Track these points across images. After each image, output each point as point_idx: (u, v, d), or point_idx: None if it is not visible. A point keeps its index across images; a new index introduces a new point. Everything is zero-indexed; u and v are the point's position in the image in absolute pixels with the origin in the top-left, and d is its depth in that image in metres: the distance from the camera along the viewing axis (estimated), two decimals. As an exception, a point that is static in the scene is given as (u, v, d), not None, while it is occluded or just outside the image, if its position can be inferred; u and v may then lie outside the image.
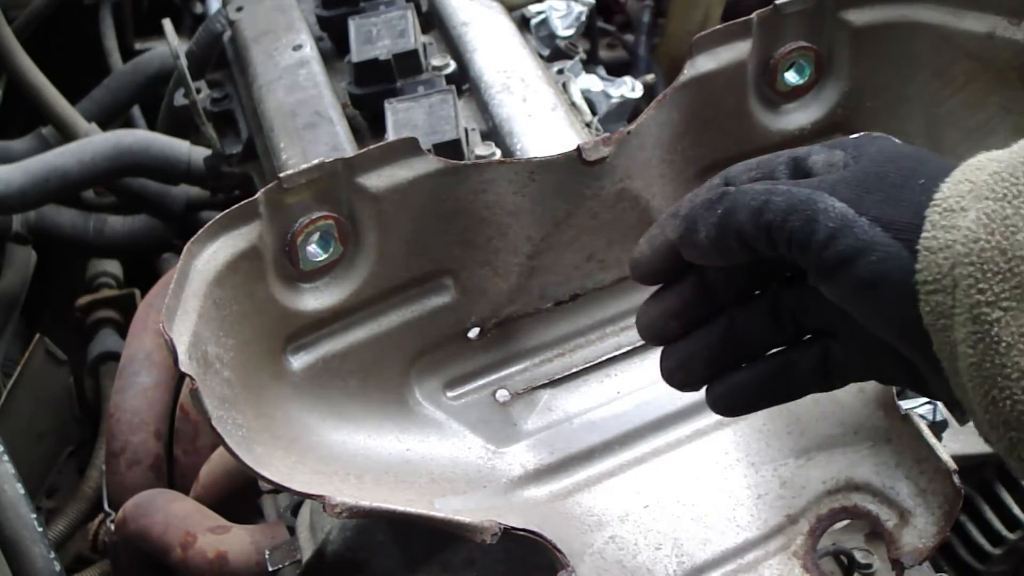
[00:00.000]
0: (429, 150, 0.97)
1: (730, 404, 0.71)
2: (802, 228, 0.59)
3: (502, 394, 0.93)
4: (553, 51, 1.34)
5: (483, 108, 1.14)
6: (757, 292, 0.70)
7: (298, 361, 0.85)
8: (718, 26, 0.91)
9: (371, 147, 0.83)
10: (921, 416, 0.86)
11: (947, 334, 0.54)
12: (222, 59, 1.40)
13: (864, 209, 0.58)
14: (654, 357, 0.96)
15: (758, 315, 0.68)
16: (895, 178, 0.59)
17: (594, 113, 1.24)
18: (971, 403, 0.55)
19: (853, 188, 0.59)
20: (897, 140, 0.65)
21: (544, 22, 1.34)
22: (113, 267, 1.97)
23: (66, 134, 1.88)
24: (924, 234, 0.55)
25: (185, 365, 0.69)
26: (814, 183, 0.61)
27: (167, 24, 1.25)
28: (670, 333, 0.71)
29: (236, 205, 0.78)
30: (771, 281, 0.69)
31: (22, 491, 1.22)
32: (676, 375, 0.72)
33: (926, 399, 0.98)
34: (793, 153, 0.65)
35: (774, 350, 0.70)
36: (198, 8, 2.24)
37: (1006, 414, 0.52)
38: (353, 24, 1.20)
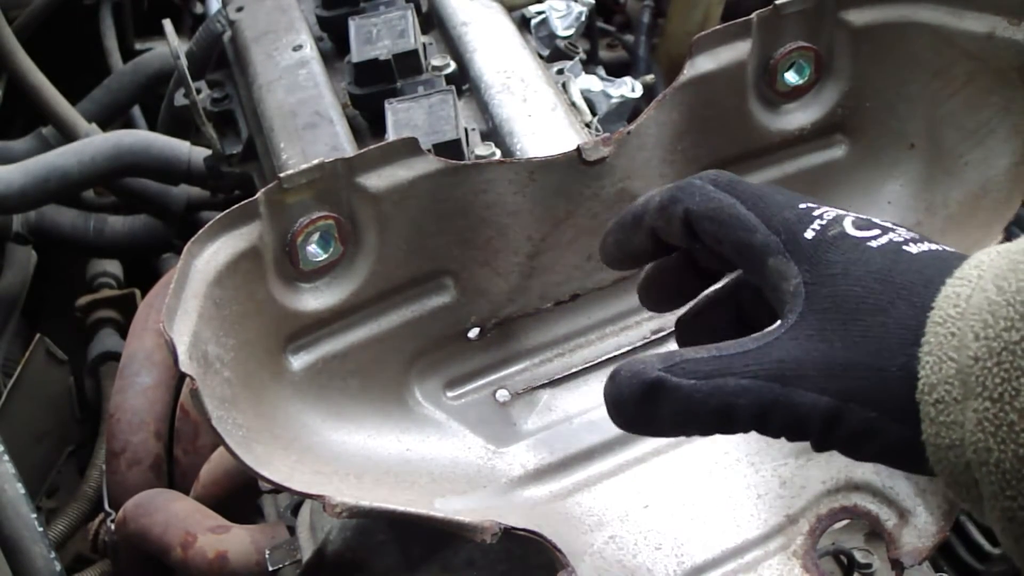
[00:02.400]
0: (429, 150, 0.97)
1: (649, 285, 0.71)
2: (791, 431, 0.56)
3: (502, 394, 0.93)
4: (553, 51, 1.34)
5: (483, 108, 1.14)
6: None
7: (298, 361, 0.85)
8: (718, 26, 0.91)
9: (371, 147, 0.83)
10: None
11: (979, 506, 0.52)
12: (222, 59, 1.40)
13: (848, 395, 0.54)
14: (654, 357, 0.97)
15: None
16: (862, 353, 0.54)
17: (594, 113, 1.23)
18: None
19: (820, 370, 0.54)
20: (853, 232, 0.58)
21: (544, 22, 1.34)
22: (113, 267, 1.97)
23: (66, 134, 1.88)
24: (925, 428, 0.51)
25: (185, 365, 0.69)
26: (773, 366, 0.55)
27: (167, 24, 1.25)
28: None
29: (236, 205, 0.78)
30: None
31: (22, 491, 1.22)
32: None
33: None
34: (749, 240, 0.61)
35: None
36: (198, 8, 2.24)
37: None
38: (353, 24, 1.20)
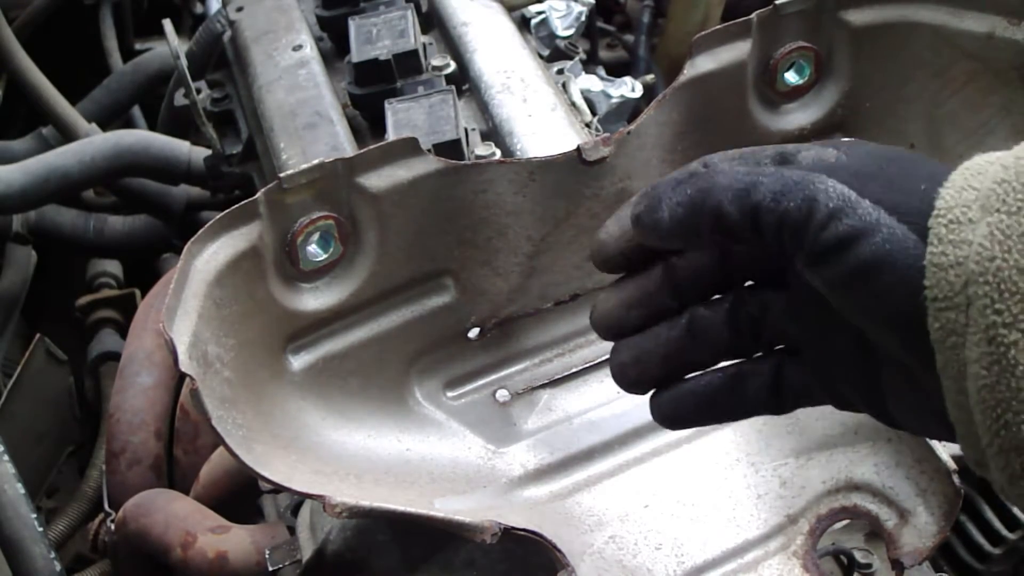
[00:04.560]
0: (429, 150, 0.97)
1: (674, 414, 0.66)
2: (798, 208, 0.54)
3: (502, 394, 0.93)
4: (553, 51, 1.34)
5: (483, 108, 1.14)
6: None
7: (298, 361, 0.85)
8: (718, 26, 0.91)
9: (371, 147, 0.83)
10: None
11: (957, 352, 0.51)
12: (222, 59, 1.40)
13: (867, 193, 0.54)
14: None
15: (718, 316, 0.64)
16: (893, 173, 0.55)
17: (594, 113, 1.23)
18: (975, 426, 0.51)
19: (852, 175, 0.55)
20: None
21: (544, 22, 1.34)
22: (113, 267, 1.97)
23: (66, 134, 1.88)
24: (931, 248, 0.51)
25: (185, 365, 0.69)
26: (807, 170, 0.57)
27: (167, 24, 1.25)
28: (628, 323, 0.65)
29: (236, 205, 0.78)
30: (740, 280, 0.65)
31: (22, 491, 1.22)
32: (629, 371, 0.66)
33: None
34: (780, 148, 0.61)
35: (726, 363, 0.65)
36: (198, 8, 2.24)
37: (1019, 439, 0.49)
38: (353, 24, 1.20)
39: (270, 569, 0.95)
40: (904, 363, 0.55)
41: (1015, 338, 0.48)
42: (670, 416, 0.66)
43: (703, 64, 0.90)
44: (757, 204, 0.56)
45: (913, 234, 0.52)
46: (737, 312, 0.64)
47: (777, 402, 0.64)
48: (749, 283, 0.66)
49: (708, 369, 0.65)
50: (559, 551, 0.76)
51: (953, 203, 0.51)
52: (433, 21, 1.30)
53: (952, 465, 0.81)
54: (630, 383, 0.66)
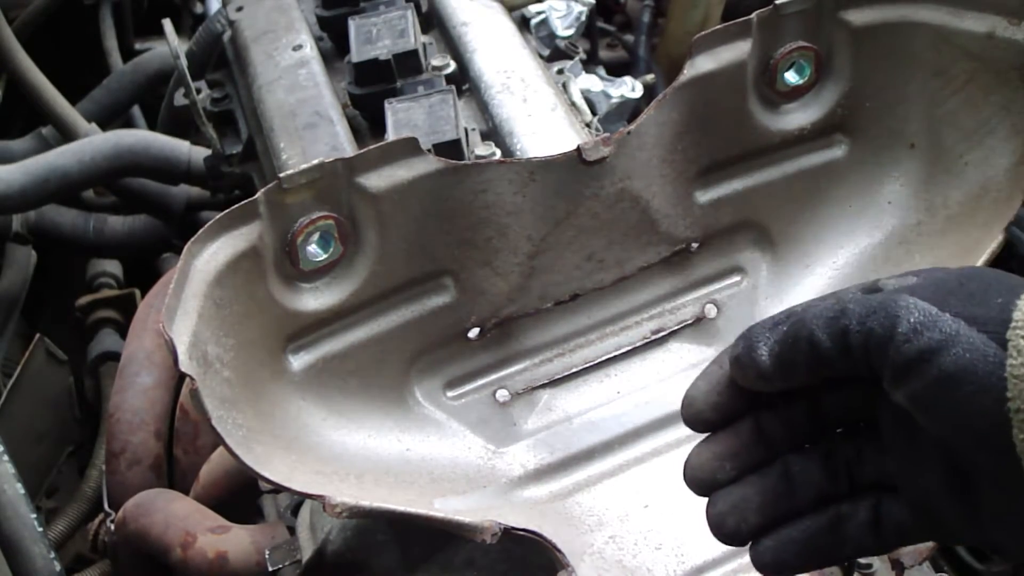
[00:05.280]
0: (429, 150, 0.97)
1: (775, 563, 0.65)
2: (882, 326, 0.56)
3: (502, 394, 0.93)
4: (553, 51, 1.34)
5: (483, 108, 1.14)
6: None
7: (298, 361, 0.85)
8: (718, 26, 0.91)
9: (371, 147, 0.83)
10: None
11: None
12: (222, 59, 1.40)
13: (947, 307, 0.55)
14: (654, 357, 0.97)
15: (813, 462, 0.64)
16: (973, 288, 0.57)
17: (594, 113, 1.23)
18: None
19: (932, 292, 0.57)
20: None
21: (544, 22, 1.34)
22: (113, 267, 1.97)
23: (66, 134, 1.88)
24: (1011, 360, 0.52)
25: (185, 365, 0.69)
26: (889, 292, 0.58)
27: (167, 24, 1.25)
28: (723, 476, 0.65)
29: (236, 205, 0.78)
30: (829, 429, 0.65)
31: (22, 491, 1.22)
32: (727, 521, 0.65)
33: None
34: (864, 283, 0.62)
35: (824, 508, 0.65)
36: (198, 8, 2.24)
37: None
38: (353, 24, 1.20)
39: (270, 569, 0.95)
40: (998, 480, 0.56)
41: None
42: (771, 564, 0.65)
43: (703, 64, 0.90)
44: (845, 328, 0.58)
45: (993, 343, 0.53)
46: (831, 456, 0.64)
47: (878, 541, 0.64)
48: (839, 430, 0.66)
49: (804, 514, 0.65)
50: (559, 551, 0.76)
51: None
52: (433, 21, 1.30)
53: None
54: (729, 534, 0.66)
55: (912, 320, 0.55)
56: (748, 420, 0.65)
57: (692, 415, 0.66)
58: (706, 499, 0.67)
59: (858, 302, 0.58)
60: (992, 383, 0.53)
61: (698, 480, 0.66)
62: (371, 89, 1.17)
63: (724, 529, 0.65)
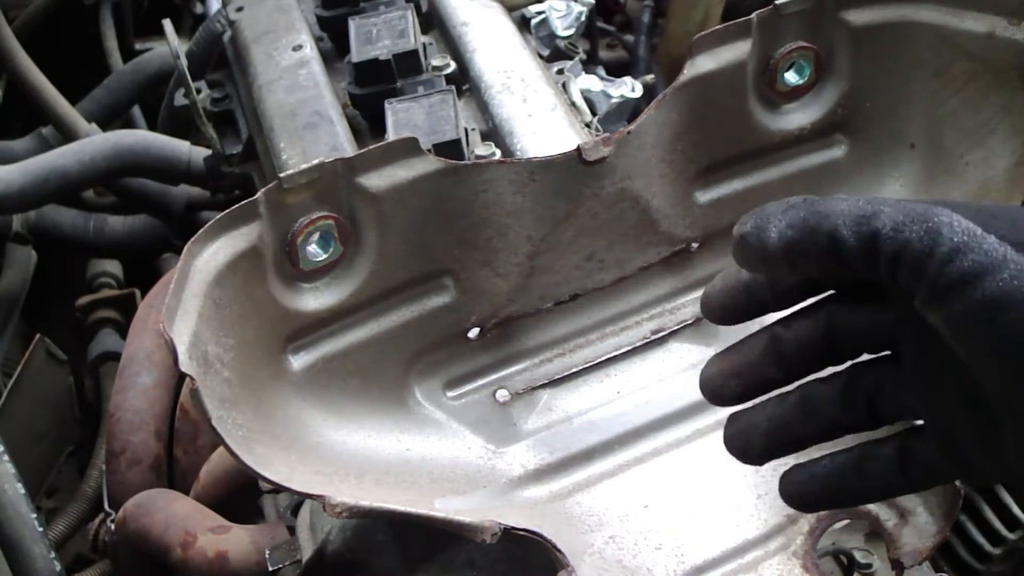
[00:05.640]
0: (429, 150, 0.96)
1: (800, 497, 0.65)
2: (920, 239, 0.52)
3: (502, 394, 0.93)
4: (553, 51, 1.34)
5: (483, 108, 1.14)
6: (831, 369, 0.64)
7: (298, 361, 0.85)
8: (718, 26, 0.91)
9: (371, 147, 0.83)
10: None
11: None
12: (222, 59, 1.40)
13: (992, 229, 0.52)
14: (654, 357, 0.97)
15: (832, 392, 0.63)
16: (1016, 214, 0.54)
17: (594, 113, 1.23)
18: None
19: (975, 212, 0.53)
20: None
21: (544, 22, 1.34)
22: (113, 267, 1.97)
23: (66, 134, 1.88)
24: None
25: (185, 365, 0.69)
26: (929, 202, 0.54)
27: (167, 24, 1.25)
28: (728, 393, 0.65)
29: (236, 205, 0.78)
30: (848, 352, 0.63)
31: (22, 491, 1.22)
32: (735, 442, 0.66)
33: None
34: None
35: (851, 444, 0.64)
36: (198, 8, 2.24)
37: None
38: (353, 24, 1.20)
39: (270, 569, 0.95)
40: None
41: None
42: (795, 497, 0.66)
43: (703, 64, 0.90)
44: (876, 231, 0.54)
45: None
46: (852, 388, 0.63)
47: (906, 481, 0.62)
48: (860, 359, 0.64)
49: (831, 451, 0.64)
50: (559, 551, 0.76)
51: None
52: (433, 21, 1.30)
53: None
54: (740, 453, 0.66)
55: (956, 239, 0.52)
56: (761, 337, 0.64)
57: (708, 311, 0.66)
58: (707, 498, 0.67)
59: (895, 206, 0.54)
60: None
61: (706, 391, 0.66)
62: (371, 89, 1.17)
63: (733, 449, 0.66)
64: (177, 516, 1.15)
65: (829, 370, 0.64)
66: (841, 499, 0.65)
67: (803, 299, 0.64)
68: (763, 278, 0.63)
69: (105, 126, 1.95)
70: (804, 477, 0.65)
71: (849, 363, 0.64)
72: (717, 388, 0.65)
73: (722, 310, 0.65)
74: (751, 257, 0.59)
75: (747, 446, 0.65)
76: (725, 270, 0.65)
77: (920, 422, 0.62)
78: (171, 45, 1.21)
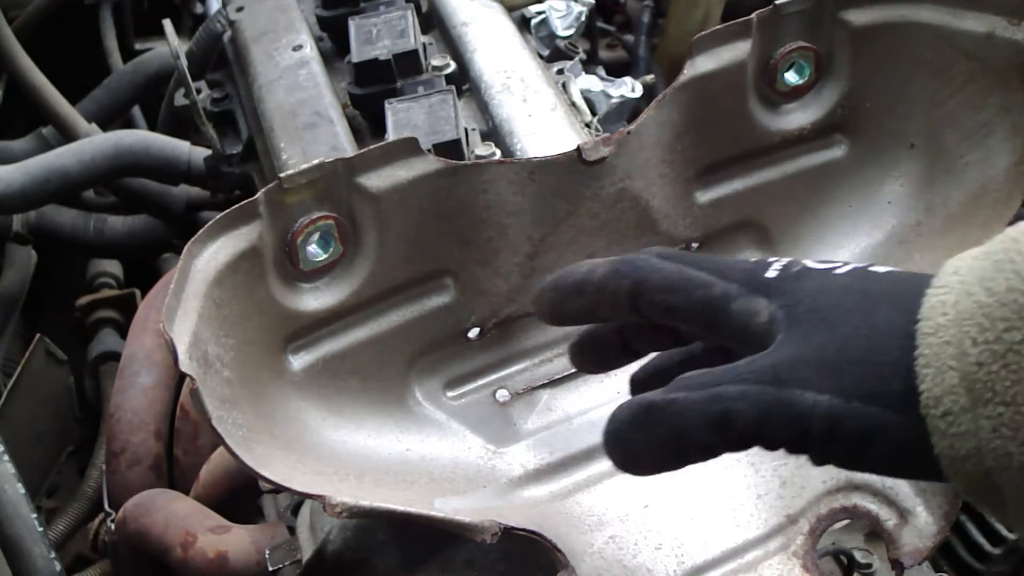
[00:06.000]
0: (429, 150, 0.97)
1: (552, 306, 0.68)
2: (792, 435, 0.53)
3: (502, 394, 0.93)
4: (553, 51, 1.34)
5: (483, 108, 1.14)
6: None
7: (298, 361, 0.85)
8: (718, 26, 0.91)
9: (371, 147, 0.83)
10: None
11: (1000, 510, 0.50)
12: (222, 59, 1.40)
13: (847, 392, 0.52)
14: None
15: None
16: (855, 351, 0.53)
17: (594, 113, 1.23)
18: None
19: (817, 369, 0.53)
20: (816, 265, 0.58)
21: (544, 22, 1.34)
22: (113, 267, 1.97)
23: (66, 134, 1.88)
24: (937, 440, 0.50)
25: (185, 365, 0.69)
26: (767, 370, 0.53)
27: (167, 24, 1.25)
28: (569, 307, 0.68)
29: (236, 205, 0.78)
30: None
31: (22, 491, 1.22)
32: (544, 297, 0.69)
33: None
34: (708, 295, 0.58)
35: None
36: (198, 8, 2.24)
37: None
38: (353, 24, 1.20)
39: (270, 569, 0.95)
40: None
41: None
42: (547, 303, 0.68)
43: (703, 64, 0.90)
44: (741, 433, 0.54)
45: (900, 414, 0.51)
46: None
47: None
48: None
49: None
50: (559, 551, 0.76)
51: (939, 391, 0.49)
52: (433, 21, 1.30)
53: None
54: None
55: (825, 427, 0.52)
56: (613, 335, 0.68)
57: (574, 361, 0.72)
58: (707, 498, 0.67)
59: (745, 400, 0.53)
60: (933, 454, 0.51)
61: (544, 303, 0.69)
62: (371, 89, 1.17)
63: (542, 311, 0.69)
64: (177, 516, 1.15)
65: None
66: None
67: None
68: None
69: (105, 126, 1.95)
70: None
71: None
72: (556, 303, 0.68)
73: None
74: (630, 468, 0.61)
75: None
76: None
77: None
78: (171, 45, 1.21)
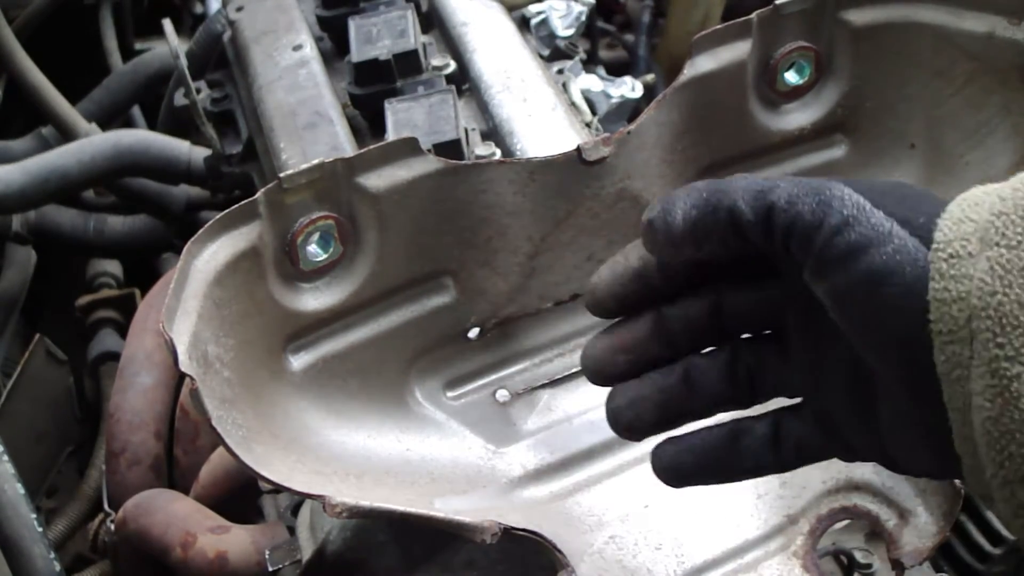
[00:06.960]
0: (429, 150, 0.97)
1: (674, 470, 0.65)
2: (812, 211, 0.54)
3: (502, 394, 0.93)
4: (553, 51, 1.34)
5: (483, 108, 1.14)
6: (715, 347, 0.64)
7: (298, 361, 0.85)
8: (718, 26, 0.91)
9: (371, 147, 0.83)
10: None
11: (962, 385, 0.50)
12: (222, 59, 1.40)
13: (881, 205, 0.54)
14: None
15: (714, 367, 0.63)
16: (905, 193, 0.55)
17: (594, 113, 1.24)
18: (980, 459, 0.51)
19: (867, 188, 0.55)
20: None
21: (544, 22, 1.34)
22: (113, 267, 1.97)
23: (66, 134, 1.88)
24: (933, 284, 0.51)
25: (185, 365, 0.69)
26: (824, 179, 0.56)
27: (167, 24, 1.25)
28: (615, 370, 0.65)
29: (236, 205, 0.78)
30: (733, 331, 0.64)
31: (22, 491, 1.22)
32: (624, 415, 0.65)
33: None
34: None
35: (726, 419, 0.65)
36: (198, 8, 2.24)
37: (1023, 472, 0.49)
38: (353, 24, 1.20)
39: (270, 569, 0.95)
40: (902, 392, 0.55)
41: (1018, 371, 0.48)
42: (668, 469, 0.65)
43: (703, 64, 0.90)
44: (772, 204, 0.56)
45: (924, 247, 0.52)
46: (734, 363, 0.63)
47: (778, 458, 0.63)
48: (745, 336, 0.65)
49: (708, 425, 0.64)
50: (559, 551, 0.76)
51: (952, 236, 0.51)
52: (433, 21, 1.30)
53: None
54: (625, 428, 0.65)
55: (844, 212, 0.54)
56: (648, 315, 0.64)
57: (593, 303, 0.65)
58: (707, 498, 0.67)
59: (790, 182, 0.56)
60: (918, 289, 0.51)
61: (590, 369, 0.66)
62: (371, 89, 1.17)
63: (620, 425, 0.65)
64: (177, 516, 1.15)
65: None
66: (714, 473, 0.65)
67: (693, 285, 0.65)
68: (654, 265, 0.64)
69: (105, 126, 1.95)
70: (678, 449, 0.64)
71: (732, 341, 0.65)
72: (605, 365, 0.65)
73: (613, 299, 0.65)
74: (659, 240, 0.60)
75: (637, 420, 0.64)
76: (611, 260, 0.65)
77: (796, 400, 0.63)
78: (171, 45, 1.22)
